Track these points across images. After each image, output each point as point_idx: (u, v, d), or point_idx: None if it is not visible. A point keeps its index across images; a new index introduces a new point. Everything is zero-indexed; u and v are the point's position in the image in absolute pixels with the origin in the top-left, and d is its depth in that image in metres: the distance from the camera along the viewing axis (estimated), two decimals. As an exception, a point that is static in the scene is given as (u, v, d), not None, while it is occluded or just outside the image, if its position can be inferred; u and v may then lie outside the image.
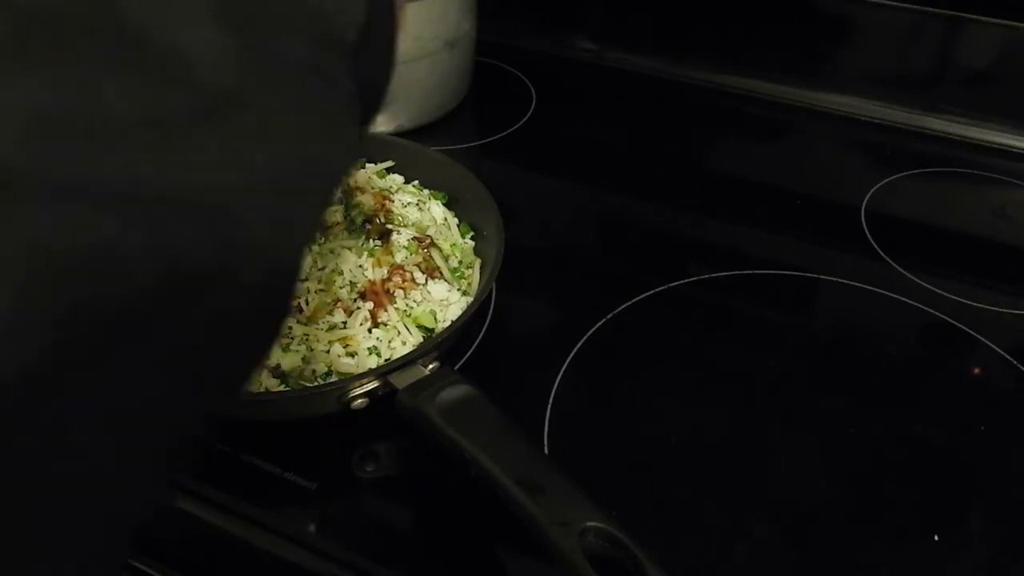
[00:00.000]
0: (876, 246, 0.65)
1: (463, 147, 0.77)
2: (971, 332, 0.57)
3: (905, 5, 0.77)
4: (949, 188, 0.75)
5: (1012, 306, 0.60)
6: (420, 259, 0.53)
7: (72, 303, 0.18)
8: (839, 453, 0.49)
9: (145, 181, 0.19)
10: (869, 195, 0.71)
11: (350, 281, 0.51)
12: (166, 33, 0.21)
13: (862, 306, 0.60)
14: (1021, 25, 0.74)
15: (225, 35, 0.22)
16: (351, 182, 0.57)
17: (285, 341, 0.48)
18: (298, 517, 0.45)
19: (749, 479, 0.47)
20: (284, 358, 0.47)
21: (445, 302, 0.51)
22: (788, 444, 0.50)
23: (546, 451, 0.48)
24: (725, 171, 0.77)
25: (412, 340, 0.49)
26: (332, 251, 0.52)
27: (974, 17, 0.75)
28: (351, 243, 0.53)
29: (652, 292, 0.60)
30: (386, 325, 0.49)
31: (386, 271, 0.51)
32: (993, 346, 0.56)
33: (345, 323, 0.49)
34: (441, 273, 0.53)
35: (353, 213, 0.55)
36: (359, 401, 0.44)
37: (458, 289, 0.53)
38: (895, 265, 0.63)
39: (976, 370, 0.56)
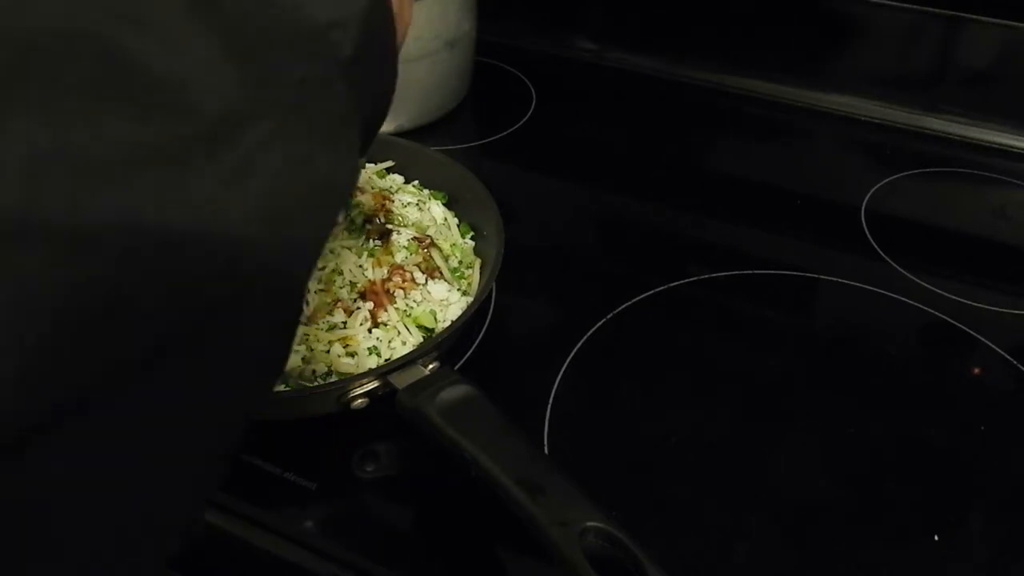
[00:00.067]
0: (876, 246, 0.65)
1: (463, 147, 0.77)
2: (971, 332, 0.57)
3: (905, 5, 0.77)
4: (949, 188, 0.75)
5: (1012, 306, 0.60)
6: (420, 259, 0.53)
7: (78, 346, 0.18)
8: (839, 453, 0.49)
9: (147, 216, 0.19)
10: (869, 195, 0.71)
11: (350, 281, 0.51)
12: (164, 64, 0.21)
13: (862, 306, 0.60)
14: (1021, 25, 0.74)
15: (223, 63, 0.22)
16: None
17: (285, 341, 0.48)
18: (298, 517, 0.45)
19: (749, 479, 0.47)
20: (284, 358, 0.47)
21: (445, 302, 0.51)
22: (788, 444, 0.50)
23: (546, 451, 0.48)
24: (725, 171, 0.77)
25: (412, 340, 0.49)
26: (332, 251, 0.52)
27: (974, 17, 0.75)
28: (351, 243, 0.53)
29: (652, 292, 0.60)
30: (386, 325, 0.49)
31: (386, 271, 0.51)
32: (993, 346, 0.56)
33: (345, 323, 0.49)
34: (441, 273, 0.53)
35: (353, 213, 0.55)
36: (359, 401, 0.44)
37: (458, 289, 0.53)
38: (895, 265, 0.63)
39: (976, 370, 0.56)
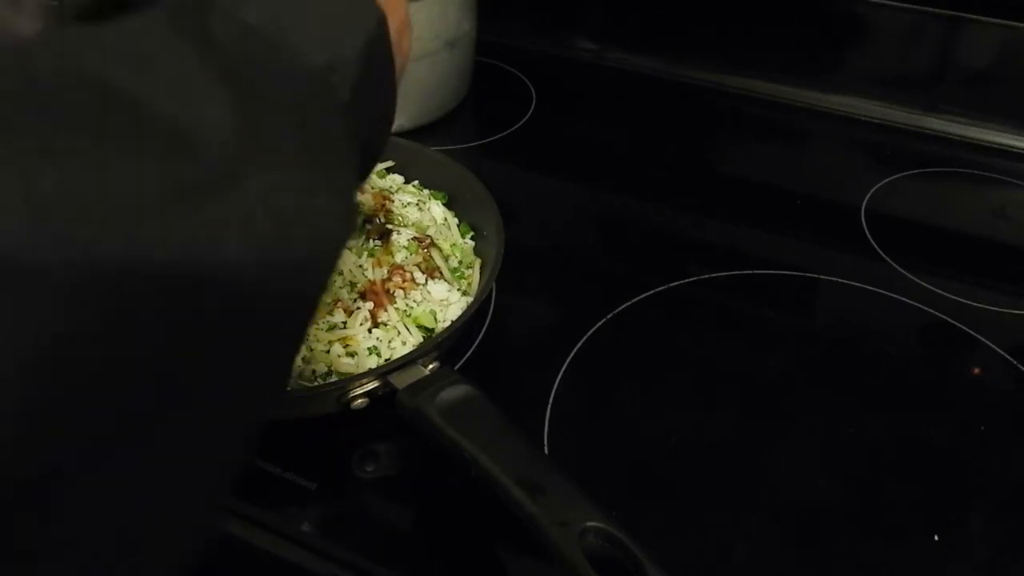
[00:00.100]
0: (876, 246, 0.65)
1: (463, 147, 0.77)
2: (971, 332, 0.57)
3: (905, 5, 0.77)
4: (949, 188, 0.75)
5: (1012, 306, 0.60)
6: (420, 259, 0.53)
7: (82, 387, 0.18)
8: (839, 453, 0.49)
9: (150, 259, 0.19)
10: (869, 195, 0.71)
11: (350, 281, 0.51)
12: (167, 106, 0.21)
13: (862, 306, 0.60)
14: (1021, 25, 0.74)
15: (225, 106, 0.22)
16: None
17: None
18: (298, 517, 0.45)
19: (749, 479, 0.47)
20: (284, 358, 0.47)
21: (445, 302, 0.51)
22: (788, 444, 0.50)
23: (546, 451, 0.48)
24: (725, 171, 0.77)
25: (412, 340, 0.49)
26: (332, 251, 0.52)
27: (974, 17, 0.75)
28: (351, 243, 0.53)
29: (652, 292, 0.60)
30: (386, 325, 0.49)
31: (386, 271, 0.51)
32: (993, 346, 0.56)
33: (345, 323, 0.49)
34: (441, 273, 0.53)
35: (353, 213, 0.55)
36: (359, 401, 0.44)
37: (458, 289, 0.53)
38: (895, 265, 0.63)
39: (976, 370, 0.56)
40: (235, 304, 0.22)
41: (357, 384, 0.44)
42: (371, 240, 0.54)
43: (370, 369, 0.46)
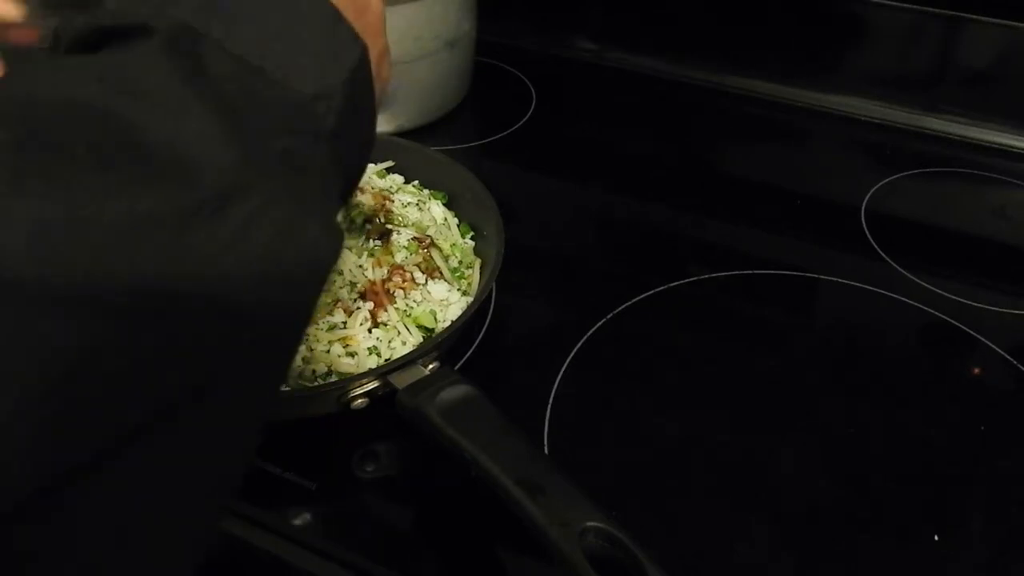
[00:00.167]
0: (876, 246, 0.65)
1: (463, 147, 0.77)
2: (971, 332, 0.57)
3: (905, 5, 0.77)
4: (949, 188, 0.75)
5: (1012, 306, 0.60)
6: (420, 259, 0.53)
7: (82, 406, 0.19)
8: (839, 453, 0.49)
9: (149, 281, 0.20)
10: (869, 195, 0.71)
11: (350, 281, 0.51)
12: (163, 134, 0.22)
13: (862, 306, 0.60)
14: (1021, 25, 0.74)
15: (218, 134, 0.23)
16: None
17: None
18: (298, 517, 0.45)
19: (749, 479, 0.47)
20: (284, 358, 0.47)
21: (445, 302, 0.51)
22: (788, 444, 0.50)
23: (546, 451, 0.48)
24: (725, 171, 0.77)
25: (412, 340, 0.49)
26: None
27: (974, 17, 0.75)
28: (351, 243, 0.53)
29: (652, 292, 0.60)
30: (386, 325, 0.49)
31: (386, 271, 0.51)
32: (993, 346, 0.56)
33: (345, 323, 0.49)
34: (441, 273, 0.53)
35: (353, 213, 0.55)
36: (359, 401, 0.44)
37: (458, 289, 0.53)
38: (895, 265, 0.63)
39: (976, 370, 0.56)
40: (230, 319, 0.22)
41: (357, 384, 0.44)
42: (371, 240, 0.54)
43: (370, 369, 0.46)
